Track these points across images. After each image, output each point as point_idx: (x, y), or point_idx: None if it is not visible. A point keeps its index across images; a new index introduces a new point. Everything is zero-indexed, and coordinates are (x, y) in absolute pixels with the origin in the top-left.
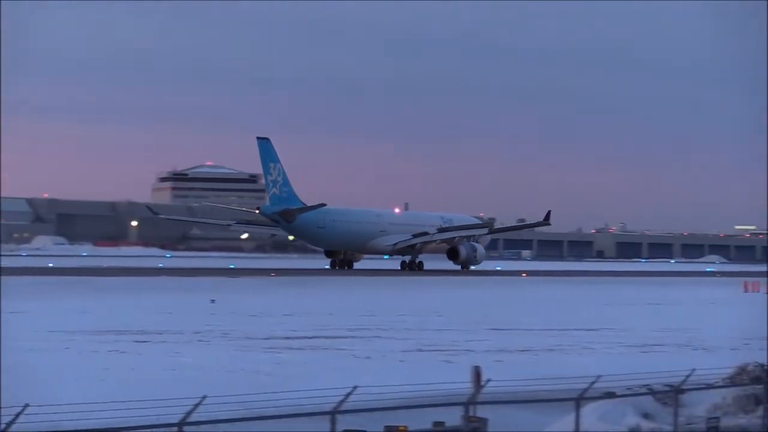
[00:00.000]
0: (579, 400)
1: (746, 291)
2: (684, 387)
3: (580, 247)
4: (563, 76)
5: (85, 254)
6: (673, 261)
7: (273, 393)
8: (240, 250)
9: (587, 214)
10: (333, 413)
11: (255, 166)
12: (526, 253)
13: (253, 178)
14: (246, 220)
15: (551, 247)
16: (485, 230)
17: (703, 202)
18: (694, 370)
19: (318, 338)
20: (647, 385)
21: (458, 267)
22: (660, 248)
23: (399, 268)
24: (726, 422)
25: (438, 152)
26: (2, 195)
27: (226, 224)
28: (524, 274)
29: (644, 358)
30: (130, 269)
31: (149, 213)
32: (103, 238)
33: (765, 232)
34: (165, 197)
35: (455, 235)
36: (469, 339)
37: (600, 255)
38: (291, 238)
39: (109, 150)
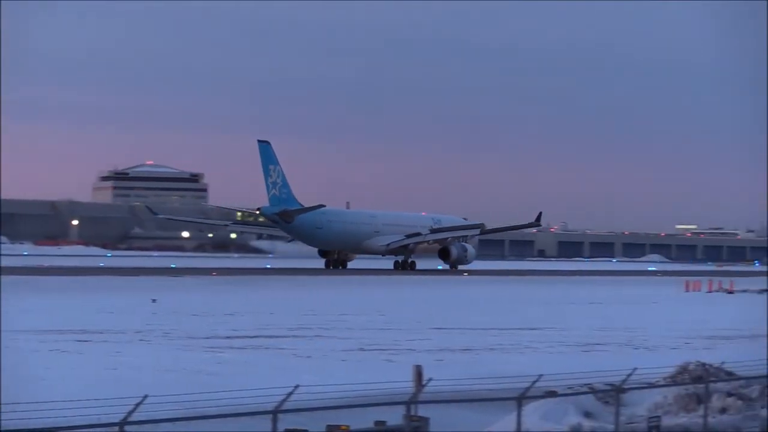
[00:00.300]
0: (521, 399)
1: (687, 290)
2: (625, 386)
3: (522, 246)
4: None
5: (26, 253)
6: (614, 260)
7: (215, 392)
8: (181, 249)
9: (529, 214)
10: (275, 412)
11: (197, 166)
12: None
13: (194, 178)
14: (241, 220)
15: (492, 247)
16: (477, 231)
17: (646, 201)
18: (635, 369)
19: (260, 337)
20: (589, 384)
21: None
22: (601, 247)
23: (392, 267)
24: (667, 421)
25: (380, 152)
26: None
27: (224, 224)
28: (466, 274)
29: (586, 357)
30: (71, 268)
31: (89, 212)
32: (44, 237)
33: (705, 231)
34: (106, 197)
35: (447, 236)
36: (410, 338)
37: (541, 254)
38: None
39: (50, 149)
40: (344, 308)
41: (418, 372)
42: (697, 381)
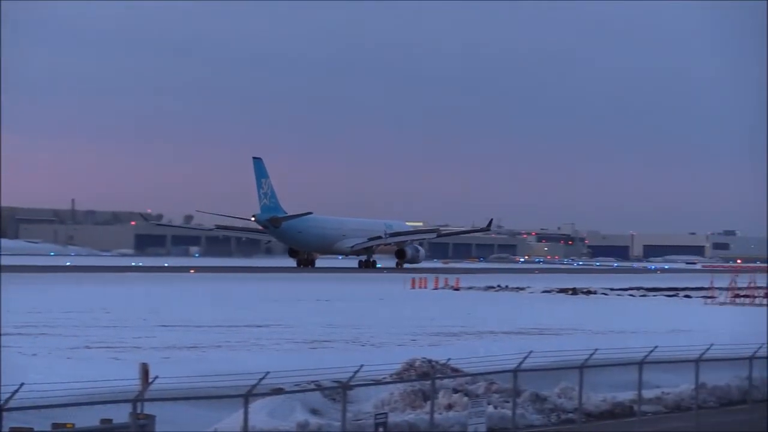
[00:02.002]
0: (247, 396)
1: (414, 287)
2: (352, 383)
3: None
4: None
5: None
6: (340, 257)
7: None
8: None
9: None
10: None
11: None
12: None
13: None
14: (225, 225)
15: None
16: (434, 235)
17: (375, 197)
18: (362, 366)
19: None
20: (316, 381)
21: (398, 266)
22: None
23: (357, 266)
24: (394, 418)
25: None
26: None
27: (209, 229)
28: (192, 270)
29: (313, 354)
30: None
31: None
32: None
33: (429, 229)
34: None
35: (405, 239)
36: (136, 336)
37: (269, 252)
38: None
39: None
40: (70, 306)
41: (145, 370)
42: (423, 378)
